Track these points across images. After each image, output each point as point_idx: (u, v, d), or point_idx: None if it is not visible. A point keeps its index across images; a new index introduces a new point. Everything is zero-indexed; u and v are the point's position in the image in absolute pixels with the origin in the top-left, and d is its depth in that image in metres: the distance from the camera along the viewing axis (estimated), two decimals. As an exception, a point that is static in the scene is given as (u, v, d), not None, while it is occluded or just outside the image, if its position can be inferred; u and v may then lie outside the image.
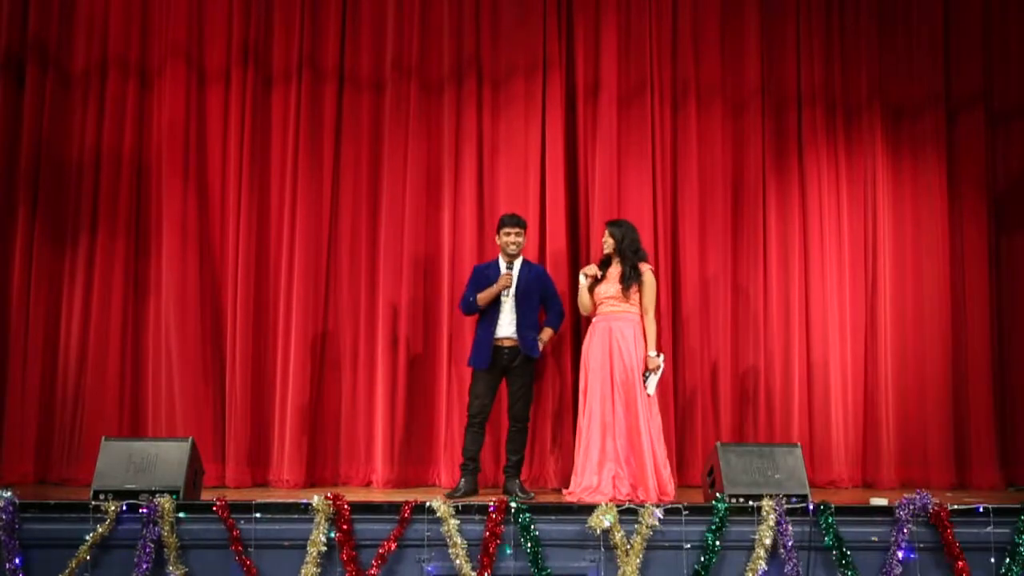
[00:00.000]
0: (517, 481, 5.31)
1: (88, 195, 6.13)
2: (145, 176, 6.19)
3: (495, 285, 5.38)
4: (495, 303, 5.39)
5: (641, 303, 5.31)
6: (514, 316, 5.40)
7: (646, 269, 5.36)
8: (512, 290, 5.41)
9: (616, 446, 5.06)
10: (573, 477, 5.21)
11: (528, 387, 5.45)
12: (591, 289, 5.39)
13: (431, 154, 6.30)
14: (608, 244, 5.40)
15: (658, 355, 5.25)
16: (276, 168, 6.22)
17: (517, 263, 5.50)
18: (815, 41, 6.58)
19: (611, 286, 5.32)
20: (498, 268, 5.48)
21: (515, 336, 5.38)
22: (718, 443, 4.92)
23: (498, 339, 5.36)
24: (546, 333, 5.56)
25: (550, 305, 5.62)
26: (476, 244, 6.18)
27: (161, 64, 6.23)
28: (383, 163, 6.28)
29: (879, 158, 6.53)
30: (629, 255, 5.34)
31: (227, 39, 6.28)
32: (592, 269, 5.41)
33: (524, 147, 6.29)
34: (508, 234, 5.44)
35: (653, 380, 5.19)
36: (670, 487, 5.10)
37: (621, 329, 5.22)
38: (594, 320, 5.37)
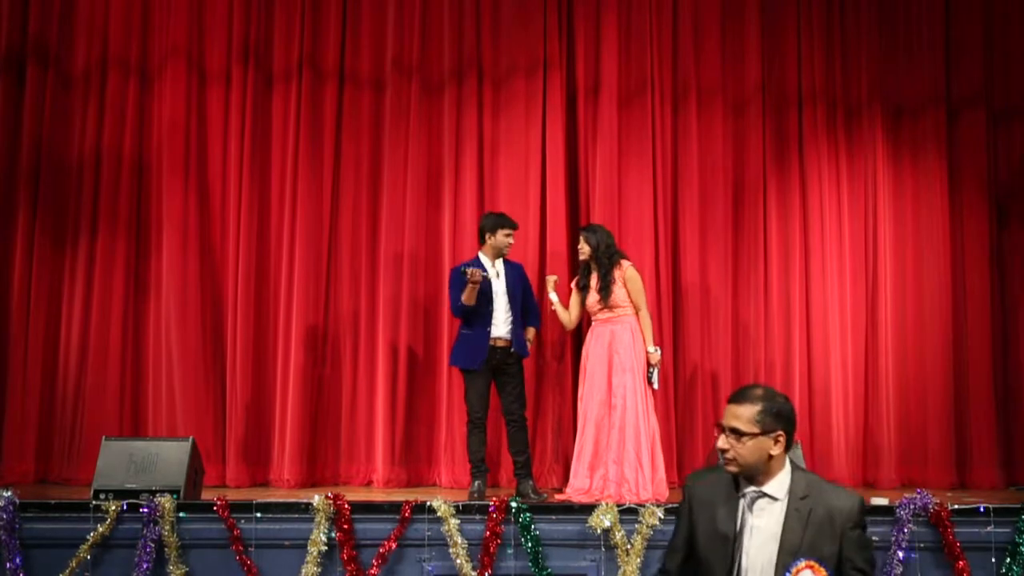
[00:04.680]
0: (530, 482, 5.19)
1: (88, 195, 6.13)
2: (145, 176, 6.19)
3: (470, 284, 5.11)
4: (488, 302, 5.28)
5: (632, 299, 5.27)
6: (510, 315, 5.32)
7: (627, 267, 5.31)
8: (504, 286, 5.34)
9: (609, 450, 5.04)
10: (570, 479, 5.21)
11: (522, 386, 5.37)
12: (584, 301, 5.38)
13: (431, 154, 6.30)
14: (584, 251, 5.35)
15: (656, 349, 5.25)
16: (276, 168, 6.22)
17: (499, 262, 5.42)
18: (816, 40, 6.58)
19: (593, 296, 5.31)
20: (482, 267, 5.34)
21: (510, 336, 5.30)
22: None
23: (493, 339, 5.26)
24: (531, 333, 5.52)
25: (529, 303, 5.53)
26: (476, 243, 6.17)
27: (161, 64, 6.23)
28: (383, 162, 6.28)
29: (880, 157, 6.53)
30: (604, 261, 5.30)
31: (227, 39, 6.28)
32: (555, 298, 5.43)
33: (524, 147, 6.29)
34: (508, 235, 5.36)
35: (655, 374, 5.19)
36: (664, 489, 5.08)
37: (618, 333, 5.20)
38: (593, 324, 5.36)
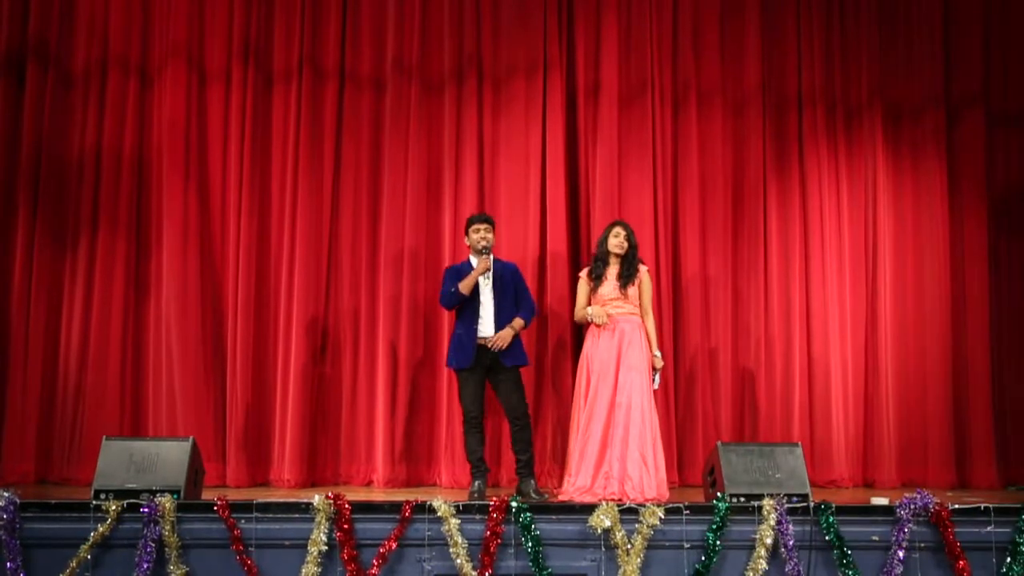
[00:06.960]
0: (532, 482, 5.18)
1: (89, 194, 6.14)
2: (146, 175, 6.20)
3: (475, 270, 5.18)
4: (474, 302, 5.24)
5: (642, 303, 5.32)
6: (493, 314, 5.25)
7: (644, 270, 5.38)
8: (490, 284, 5.27)
9: (614, 447, 5.03)
10: (567, 477, 5.18)
11: (519, 383, 5.30)
12: (594, 290, 5.37)
13: (432, 154, 6.30)
14: (623, 246, 5.34)
15: (659, 354, 5.31)
16: (277, 167, 6.22)
17: (489, 262, 5.31)
18: (815, 41, 6.59)
19: (609, 285, 5.31)
20: (471, 267, 5.31)
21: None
22: (719, 443, 4.91)
23: (482, 338, 5.22)
24: (517, 322, 5.29)
25: (522, 301, 5.40)
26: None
27: (162, 63, 6.23)
28: (384, 162, 6.28)
29: (879, 158, 6.54)
30: (630, 258, 5.33)
31: (228, 38, 6.29)
32: (602, 318, 5.24)
33: (525, 147, 6.30)
34: (477, 231, 5.29)
35: (657, 377, 5.24)
36: (665, 489, 5.08)
37: (628, 332, 5.20)
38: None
